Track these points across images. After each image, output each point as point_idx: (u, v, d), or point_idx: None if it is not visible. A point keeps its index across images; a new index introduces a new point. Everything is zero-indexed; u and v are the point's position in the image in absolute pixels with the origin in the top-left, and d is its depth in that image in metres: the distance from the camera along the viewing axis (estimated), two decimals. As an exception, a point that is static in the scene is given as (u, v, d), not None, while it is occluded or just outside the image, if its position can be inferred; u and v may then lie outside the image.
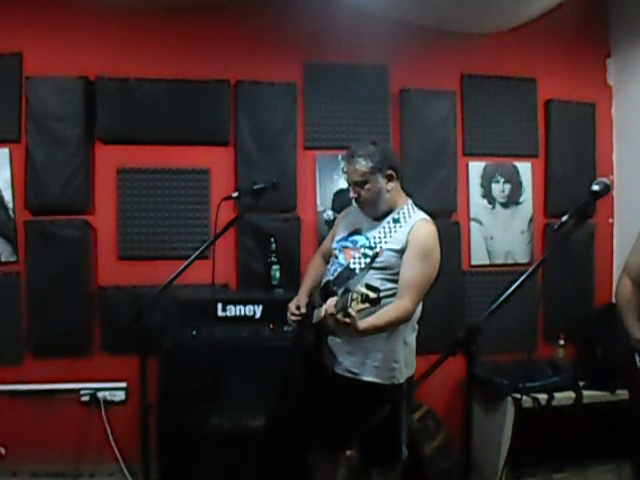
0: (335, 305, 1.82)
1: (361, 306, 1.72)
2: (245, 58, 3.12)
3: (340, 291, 1.99)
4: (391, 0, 2.98)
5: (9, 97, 2.93)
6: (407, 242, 2.05)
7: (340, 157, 2.26)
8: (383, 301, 1.99)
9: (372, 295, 1.71)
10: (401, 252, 2.05)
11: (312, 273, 2.41)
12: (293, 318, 2.26)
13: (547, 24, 3.27)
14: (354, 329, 1.80)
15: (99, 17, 2.98)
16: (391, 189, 2.14)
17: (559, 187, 3.38)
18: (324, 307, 1.87)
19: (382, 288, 2.02)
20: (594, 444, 3.01)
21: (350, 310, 1.73)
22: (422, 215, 2.16)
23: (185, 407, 2.53)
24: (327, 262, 2.30)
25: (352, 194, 2.16)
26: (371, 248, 2.09)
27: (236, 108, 3.10)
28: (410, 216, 2.13)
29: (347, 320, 1.77)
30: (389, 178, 2.12)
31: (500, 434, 2.81)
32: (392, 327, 2.02)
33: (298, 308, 2.26)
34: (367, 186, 2.09)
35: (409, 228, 2.08)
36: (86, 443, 2.94)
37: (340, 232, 2.29)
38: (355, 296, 1.72)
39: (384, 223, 2.14)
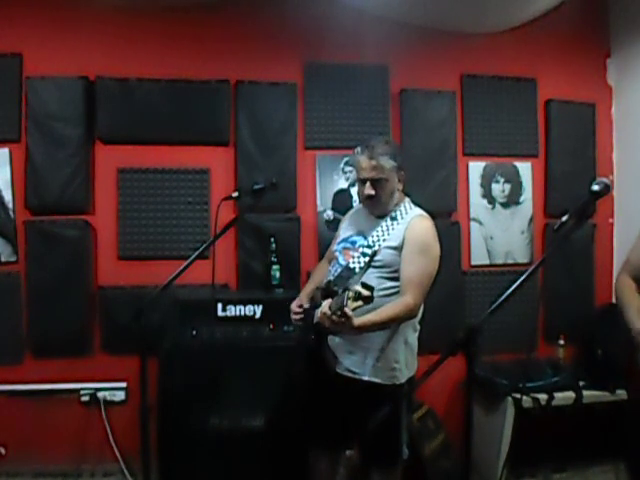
0: (331, 306, 1.84)
1: (355, 304, 1.74)
2: (245, 58, 3.12)
3: (340, 291, 2.00)
4: (391, 0, 2.98)
5: (9, 97, 2.93)
6: (404, 239, 2.06)
7: (356, 151, 2.20)
8: (383, 300, 2.01)
9: (365, 293, 1.73)
10: (398, 249, 2.06)
11: (316, 277, 2.42)
12: (296, 317, 2.27)
13: (547, 24, 3.27)
14: (350, 327, 1.81)
15: (99, 17, 2.98)
16: (400, 188, 2.16)
17: (559, 187, 3.38)
18: (320, 308, 1.89)
19: (381, 287, 2.04)
20: (594, 444, 3.01)
21: (346, 309, 1.75)
22: (418, 211, 2.17)
23: (185, 407, 2.53)
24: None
25: (368, 191, 2.10)
26: (369, 247, 2.09)
27: (236, 108, 3.10)
28: (407, 213, 2.14)
29: (342, 320, 1.78)
30: (400, 179, 2.15)
31: (500, 434, 2.81)
32: (393, 323, 2.02)
33: (300, 306, 2.27)
34: (387, 185, 2.10)
35: (406, 225, 2.09)
36: (86, 443, 2.94)
37: (341, 235, 2.30)
38: (350, 294, 1.74)
39: (382, 222, 2.14)
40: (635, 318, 2.05)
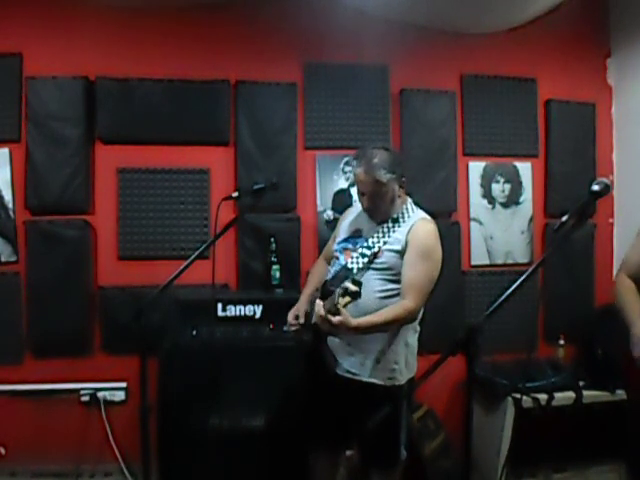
0: (325, 306, 1.84)
1: (343, 300, 1.76)
2: (245, 58, 3.12)
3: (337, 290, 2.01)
4: (391, 0, 2.98)
5: (9, 97, 2.93)
6: (407, 242, 2.05)
7: (351, 160, 2.17)
8: (385, 302, 2.02)
9: (352, 288, 1.74)
10: (401, 252, 2.05)
11: (314, 277, 2.41)
12: (292, 329, 2.27)
13: (547, 24, 3.27)
14: (347, 327, 1.82)
15: (99, 17, 2.98)
16: (401, 195, 2.14)
17: (559, 187, 3.38)
18: (316, 310, 1.89)
19: (383, 289, 2.04)
20: (594, 444, 3.01)
21: (339, 307, 1.77)
22: (421, 214, 2.16)
23: (185, 407, 2.53)
24: (330, 264, 2.30)
25: (367, 204, 2.10)
26: (369, 248, 2.09)
27: (236, 108, 3.10)
28: (409, 216, 2.13)
29: (338, 319, 1.79)
30: (401, 185, 2.13)
31: (500, 434, 2.81)
32: (393, 325, 2.01)
33: (297, 318, 2.25)
34: (386, 196, 2.08)
35: (408, 228, 2.08)
36: (86, 443, 2.94)
37: (341, 234, 2.28)
38: (340, 291, 1.76)
39: (384, 224, 2.13)
40: (636, 322, 2.04)
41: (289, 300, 2.36)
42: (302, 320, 2.25)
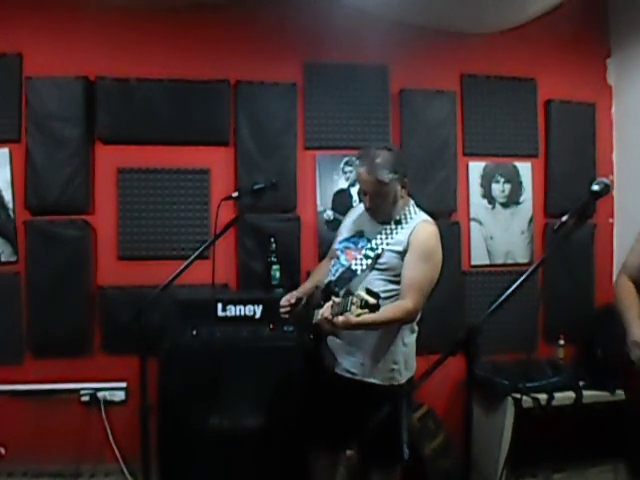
0: (332, 307, 1.84)
1: (360, 311, 1.74)
2: (245, 58, 3.12)
3: (342, 292, 2.01)
4: (391, 0, 2.98)
5: (9, 97, 2.93)
6: (408, 244, 2.06)
7: (354, 159, 2.17)
8: (388, 302, 2.02)
9: (372, 301, 1.73)
10: (402, 253, 2.06)
11: (317, 274, 2.42)
12: (283, 310, 2.27)
13: (547, 24, 3.27)
14: (348, 324, 1.84)
15: (99, 17, 2.98)
16: (403, 195, 2.15)
17: (559, 187, 3.38)
18: (320, 311, 1.90)
19: (384, 289, 2.04)
20: (594, 444, 3.00)
21: (348, 314, 1.77)
22: (424, 216, 2.16)
23: (185, 407, 2.53)
24: None
25: (369, 203, 2.11)
26: (373, 249, 2.09)
27: (236, 108, 3.10)
28: (412, 217, 2.13)
29: (342, 319, 1.81)
30: (403, 185, 2.13)
31: (500, 434, 2.81)
32: (390, 325, 2.03)
33: (288, 301, 2.26)
34: (388, 196, 2.08)
35: (410, 230, 2.08)
36: (86, 443, 2.93)
37: (343, 233, 2.29)
38: (355, 300, 1.75)
39: (386, 225, 2.14)
40: (633, 324, 2.05)
41: (289, 300, 2.36)
42: (293, 300, 2.25)
